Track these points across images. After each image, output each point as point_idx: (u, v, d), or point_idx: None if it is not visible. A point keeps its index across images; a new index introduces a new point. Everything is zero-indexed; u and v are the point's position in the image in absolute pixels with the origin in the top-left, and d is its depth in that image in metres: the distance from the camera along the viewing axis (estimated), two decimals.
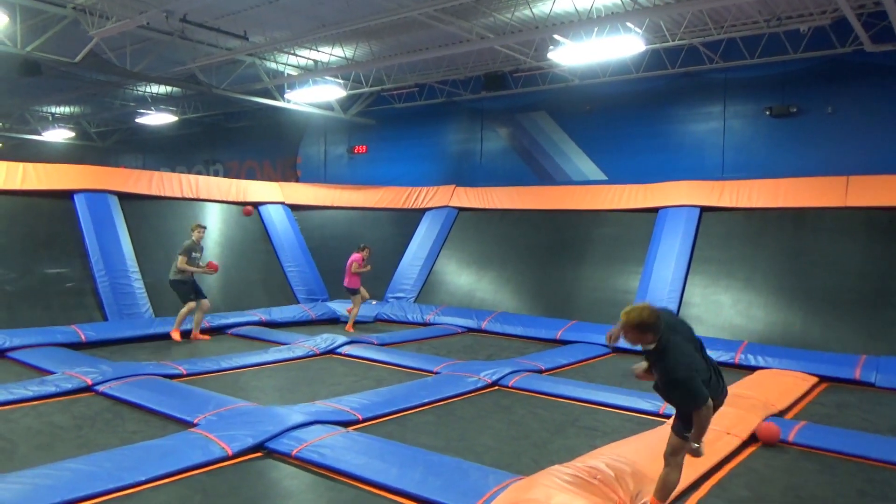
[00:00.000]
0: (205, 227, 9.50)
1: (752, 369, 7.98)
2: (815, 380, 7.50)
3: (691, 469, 4.47)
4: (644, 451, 4.64)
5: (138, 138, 22.59)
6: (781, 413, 6.18)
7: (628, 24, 9.62)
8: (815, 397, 7.06)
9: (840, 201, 9.62)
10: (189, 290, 9.16)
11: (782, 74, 10.82)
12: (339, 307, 12.07)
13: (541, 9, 9.93)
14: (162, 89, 16.87)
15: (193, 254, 9.10)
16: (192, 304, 9.12)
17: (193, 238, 9.18)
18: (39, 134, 21.64)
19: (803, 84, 10.66)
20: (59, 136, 21.71)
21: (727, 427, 5.30)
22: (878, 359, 7.90)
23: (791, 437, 5.37)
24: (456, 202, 13.56)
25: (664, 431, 5.27)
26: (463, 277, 12.52)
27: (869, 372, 7.59)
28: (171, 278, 9.14)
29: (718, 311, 9.68)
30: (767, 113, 10.92)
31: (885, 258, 8.99)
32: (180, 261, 9.00)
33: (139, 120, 18.62)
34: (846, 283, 9.06)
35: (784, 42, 10.29)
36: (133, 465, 4.35)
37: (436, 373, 7.53)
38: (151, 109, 17.89)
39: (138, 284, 10.06)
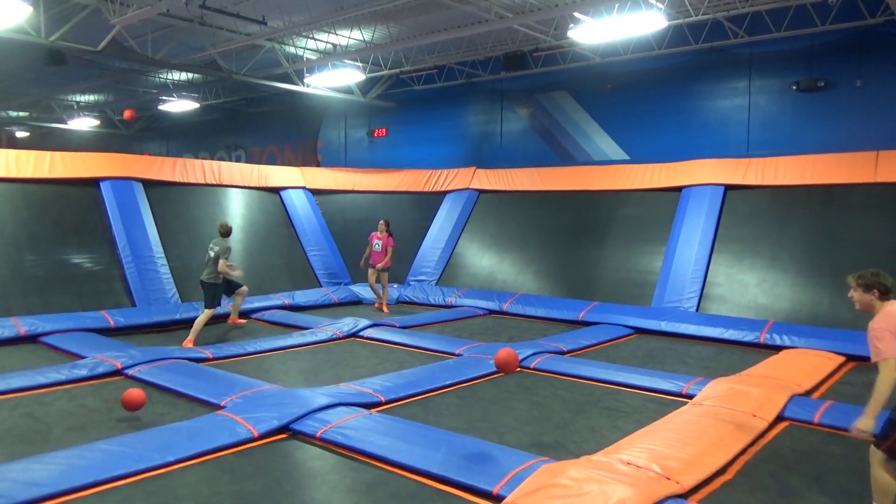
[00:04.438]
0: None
1: (777, 349, 7.89)
2: (842, 359, 7.40)
3: (718, 451, 4.46)
4: (672, 436, 4.62)
5: (161, 125, 22.84)
6: (808, 393, 6.11)
7: None
8: (843, 376, 6.97)
9: (870, 177, 9.40)
10: (218, 293, 8.51)
11: (809, 47, 10.55)
12: (362, 290, 12.17)
13: None
14: (183, 76, 16.99)
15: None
16: (209, 313, 8.37)
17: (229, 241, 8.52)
18: (65, 122, 21.97)
19: (831, 57, 10.39)
20: (84, 124, 22.02)
21: (753, 409, 5.26)
22: None
23: (817, 418, 5.31)
24: (476, 184, 13.52)
25: (687, 413, 5.27)
26: (484, 259, 12.51)
27: None
28: (206, 280, 8.41)
29: (743, 290, 9.56)
30: (794, 87, 10.68)
31: None
32: (221, 264, 8.27)
33: (162, 107, 18.80)
34: (875, 260, 8.76)
35: (811, 14, 10.02)
36: (162, 446, 4.46)
37: (458, 355, 7.57)
38: (174, 96, 18.04)
39: (164, 270, 10.21)
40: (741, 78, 11.31)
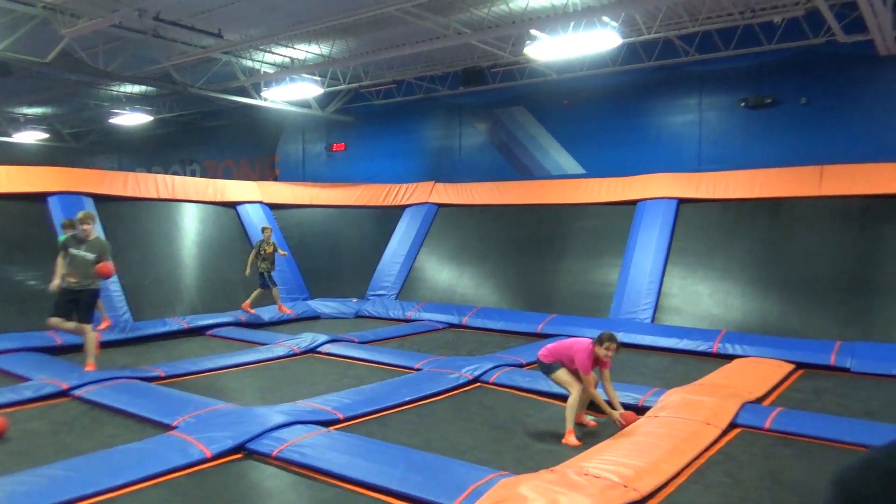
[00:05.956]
0: (82, 221, 7.06)
1: (730, 358, 8.07)
2: (791, 367, 7.60)
3: (673, 458, 4.53)
4: (628, 446, 4.69)
5: (113, 139, 22.28)
6: (759, 400, 6.26)
7: (604, 17, 9.64)
8: (792, 384, 7.16)
9: (815, 190, 9.75)
10: (68, 304, 7.00)
11: (757, 66, 10.92)
12: (320, 305, 12.01)
13: (517, 3, 9.93)
14: (136, 89, 16.64)
15: (71, 249, 6.97)
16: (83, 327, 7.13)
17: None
18: (10, 136, 21.24)
19: (778, 75, 10.77)
20: (31, 137, 21.32)
21: (707, 418, 5.36)
22: (853, 344, 8.03)
23: (768, 424, 5.44)
24: (436, 198, 13.55)
25: (643, 424, 5.34)
26: (444, 273, 12.52)
27: (844, 357, 7.72)
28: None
29: (697, 301, 9.78)
30: (743, 104, 11.03)
31: (858, 245, 9.13)
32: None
33: (113, 120, 18.36)
34: (821, 270, 9.19)
35: (758, 34, 10.38)
36: (111, 469, 4.31)
37: (417, 369, 7.53)
38: (126, 109, 17.65)
39: (115, 287, 9.91)
40: (692, 95, 11.63)
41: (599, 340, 5.30)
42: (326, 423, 5.43)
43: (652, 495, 4.07)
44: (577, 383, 5.40)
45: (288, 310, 11.19)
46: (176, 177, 12.43)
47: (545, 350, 5.60)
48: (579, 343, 5.44)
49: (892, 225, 9.05)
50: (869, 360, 7.59)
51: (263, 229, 11.33)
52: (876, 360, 7.57)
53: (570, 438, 5.25)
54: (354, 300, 12.43)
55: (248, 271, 10.99)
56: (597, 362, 5.43)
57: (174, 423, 5.33)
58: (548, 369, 5.55)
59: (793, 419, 5.53)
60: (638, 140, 12.14)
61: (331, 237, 13.48)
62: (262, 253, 10.96)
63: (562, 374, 5.48)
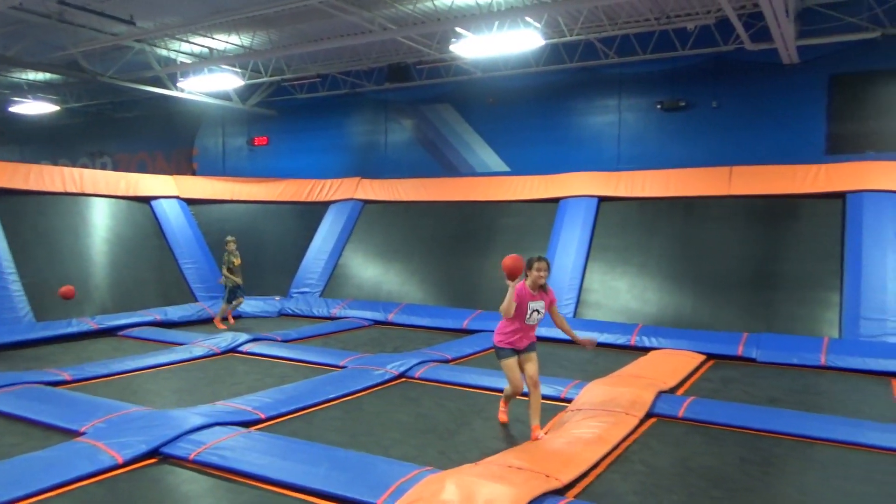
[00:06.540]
0: None
1: (646, 350, 8.39)
2: (702, 357, 7.98)
3: (594, 448, 4.65)
4: (550, 438, 4.78)
5: (13, 129, 20.86)
6: (672, 390, 6.52)
7: (527, 18, 9.82)
8: (703, 374, 7.51)
9: (724, 190, 10.26)
10: None
11: (672, 70, 11.38)
12: (241, 304, 11.65)
13: (442, 1, 9.96)
14: (40, 76, 15.64)
15: None
16: None
17: None
18: None
19: (691, 79, 11.27)
20: None
21: (625, 408, 5.54)
22: (759, 336, 8.50)
23: (681, 413, 5.68)
24: (361, 194, 13.42)
25: (565, 416, 5.47)
26: (369, 270, 12.42)
27: (750, 348, 8.17)
28: None
29: (615, 296, 10.10)
30: (659, 107, 11.47)
31: (763, 243, 9.68)
32: None
33: (14, 109, 17.19)
34: (730, 266, 9.69)
35: (673, 39, 10.83)
36: (11, 480, 4.04)
37: (342, 367, 7.44)
38: (28, 97, 16.55)
39: (16, 287, 9.31)
40: (612, 96, 12.00)
41: (528, 265, 4.90)
42: (247, 424, 5.28)
43: (573, 485, 4.17)
44: (518, 381, 5.13)
45: (224, 326, 10.35)
46: (85, 170, 11.78)
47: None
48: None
49: (793, 223, 9.65)
50: (772, 350, 8.07)
51: (228, 241, 10.43)
52: (779, 350, 8.05)
53: (501, 416, 5.60)
54: (277, 298, 12.15)
55: (235, 281, 10.42)
56: (539, 293, 5.02)
57: (82, 430, 5.04)
58: (496, 354, 5.23)
59: (704, 407, 5.79)
60: (561, 139, 12.42)
61: (252, 234, 13.11)
62: (232, 266, 10.31)
63: (508, 364, 5.10)
